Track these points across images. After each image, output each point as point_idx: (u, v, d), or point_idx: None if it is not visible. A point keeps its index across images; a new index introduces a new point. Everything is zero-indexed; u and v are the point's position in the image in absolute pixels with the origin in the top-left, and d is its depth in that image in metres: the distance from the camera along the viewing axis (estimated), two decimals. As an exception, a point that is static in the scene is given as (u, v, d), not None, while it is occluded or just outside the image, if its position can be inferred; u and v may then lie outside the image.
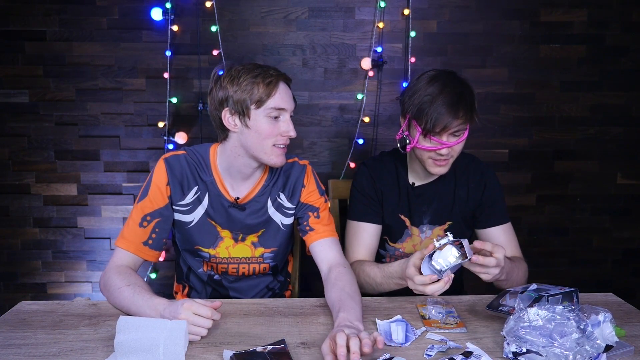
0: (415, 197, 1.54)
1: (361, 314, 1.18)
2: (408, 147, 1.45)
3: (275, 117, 1.35)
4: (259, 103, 1.32)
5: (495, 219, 1.53)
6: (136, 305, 1.20)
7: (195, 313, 1.11)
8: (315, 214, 1.48)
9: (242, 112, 1.33)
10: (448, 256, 1.13)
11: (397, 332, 1.12)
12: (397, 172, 1.56)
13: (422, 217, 1.54)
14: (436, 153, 1.40)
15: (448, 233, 1.17)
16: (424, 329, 1.17)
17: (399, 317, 1.20)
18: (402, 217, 1.54)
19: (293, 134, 1.36)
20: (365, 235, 1.53)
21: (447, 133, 1.36)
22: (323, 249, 1.43)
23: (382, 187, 1.55)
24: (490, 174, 1.56)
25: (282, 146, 1.37)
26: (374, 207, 1.54)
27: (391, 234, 1.57)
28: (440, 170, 1.44)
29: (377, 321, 1.18)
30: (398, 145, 1.51)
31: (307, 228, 1.47)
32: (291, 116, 1.39)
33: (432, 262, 1.14)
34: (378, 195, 1.55)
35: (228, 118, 1.36)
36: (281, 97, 1.34)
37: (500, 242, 1.47)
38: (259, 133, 1.34)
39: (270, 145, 1.36)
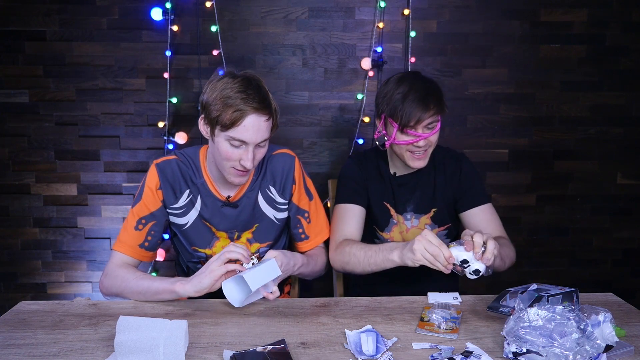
0: (398, 186, 1.62)
1: (300, 264, 1.41)
2: (387, 143, 1.54)
3: (237, 146, 1.32)
4: (223, 127, 1.30)
5: (474, 200, 1.59)
6: (160, 282, 1.31)
7: (229, 258, 1.25)
8: (307, 219, 1.54)
9: (212, 127, 1.34)
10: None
11: (367, 343, 1.08)
12: (379, 164, 1.65)
13: (406, 205, 1.61)
14: (414, 146, 1.49)
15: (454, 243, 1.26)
16: (395, 339, 1.12)
17: (369, 327, 1.15)
18: (387, 205, 1.61)
19: (248, 165, 1.32)
20: (351, 215, 1.58)
21: (422, 126, 1.46)
22: (313, 253, 1.56)
23: (367, 175, 1.63)
24: (464, 159, 1.65)
25: (240, 169, 1.35)
26: (360, 191, 1.61)
27: (378, 222, 1.63)
28: (419, 163, 1.52)
29: (347, 332, 1.13)
30: (377, 143, 1.60)
31: (303, 236, 1.56)
32: (260, 145, 1.34)
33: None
34: (364, 182, 1.62)
35: (203, 125, 1.37)
36: (245, 130, 1.29)
37: (481, 221, 1.56)
38: (219, 152, 1.35)
39: (228, 166, 1.36)
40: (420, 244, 1.24)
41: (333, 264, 1.54)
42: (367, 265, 1.42)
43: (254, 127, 1.29)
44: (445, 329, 1.17)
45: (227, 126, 1.28)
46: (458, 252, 1.21)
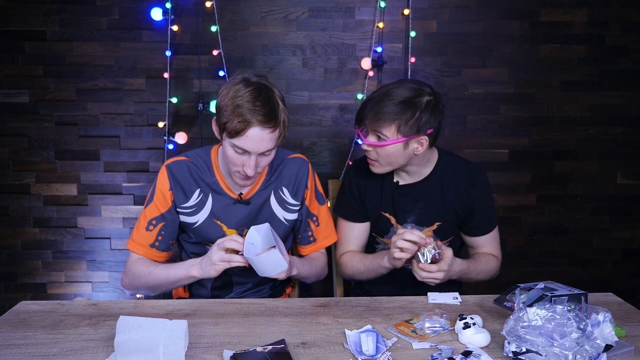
0: (399, 196, 1.58)
1: (301, 269, 1.47)
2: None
3: (240, 153, 1.35)
4: (229, 135, 1.32)
5: (483, 228, 1.60)
6: (175, 271, 1.41)
7: (226, 247, 1.32)
8: (316, 222, 1.58)
9: (220, 131, 1.37)
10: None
11: (368, 343, 1.08)
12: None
13: (406, 215, 1.58)
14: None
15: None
16: (395, 339, 1.12)
17: (369, 327, 1.15)
18: (387, 215, 1.59)
19: (249, 172, 1.35)
20: (354, 234, 1.64)
21: (370, 129, 1.48)
22: (314, 257, 1.61)
23: (365, 186, 1.61)
24: (481, 179, 1.57)
25: (244, 174, 1.38)
26: (358, 208, 1.62)
27: (378, 230, 1.63)
28: (372, 168, 1.54)
29: (347, 332, 1.13)
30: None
31: (311, 239, 1.59)
32: (264, 154, 1.36)
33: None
34: (361, 194, 1.62)
35: (214, 126, 1.41)
36: (248, 140, 1.31)
37: (482, 245, 1.61)
38: (226, 156, 1.39)
39: (234, 170, 1.40)
40: (397, 252, 1.36)
41: (341, 275, 1.65)
42: (369, 274, 1.53)
43: (256, 138, 1.31)
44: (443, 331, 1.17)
45: (232, 134, 1.31)
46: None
